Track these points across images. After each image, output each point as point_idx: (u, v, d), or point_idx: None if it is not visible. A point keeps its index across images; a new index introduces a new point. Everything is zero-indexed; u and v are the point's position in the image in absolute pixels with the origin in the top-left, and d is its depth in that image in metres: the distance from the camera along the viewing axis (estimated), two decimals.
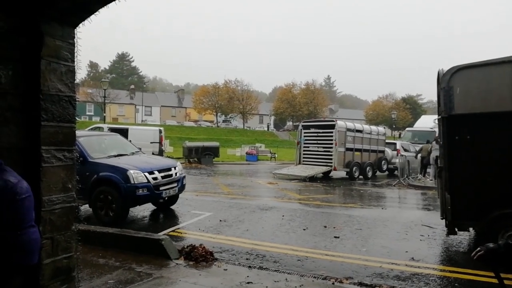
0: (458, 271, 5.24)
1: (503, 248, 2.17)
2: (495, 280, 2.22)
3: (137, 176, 7.52)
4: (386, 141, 20.53)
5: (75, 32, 3.14)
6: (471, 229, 6.33)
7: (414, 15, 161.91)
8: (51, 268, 2.99)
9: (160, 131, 23.05)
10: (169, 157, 21.22)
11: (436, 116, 8.42)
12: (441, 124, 6.20)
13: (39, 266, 2.88)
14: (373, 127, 20.41)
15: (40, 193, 2.88)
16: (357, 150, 17.92)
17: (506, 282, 2.19)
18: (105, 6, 2.95)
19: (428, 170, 16.89)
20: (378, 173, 19.48)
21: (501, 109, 5.56)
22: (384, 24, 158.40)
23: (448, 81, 5.88)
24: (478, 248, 2.22)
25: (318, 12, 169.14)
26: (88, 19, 3.09)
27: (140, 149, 10.02)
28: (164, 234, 6.35)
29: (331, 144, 17.18)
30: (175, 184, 8.48)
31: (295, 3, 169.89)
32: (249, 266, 5.11)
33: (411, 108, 65.55)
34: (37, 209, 2.83)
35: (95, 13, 3.02)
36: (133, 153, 9.01)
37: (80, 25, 3.14)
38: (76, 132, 3.23)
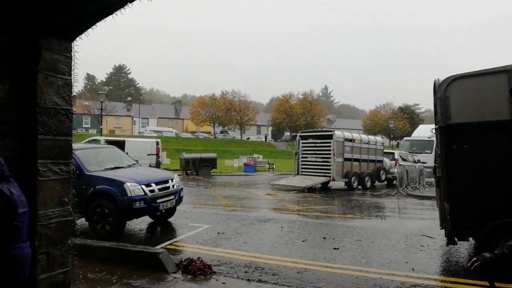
0: (458, 281, 5.20)
1: (500, 257, 2.14)
2: None
3: (134, 188, 7.47)
4: (384, 150, 20.57)
5: (72, 45, 3.15)
6: (471, 238, 6.30)
7: (415, 26, 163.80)
8: (46, 283, 2.94)
9: (157, 143, 23.02)
10: (166, 169, 21.17)
11: (433, 126, 8.44)
12: (438, 134, 6.22)
13: (34, 282, 2.82)
14: (371, 137, 20.47)
15: (36, 207, 2.85)
16: (355, 160, 17.94)
17: None
18: (102, 20, 2.96)
19: None
20: (376, 183, 19.46)
21: (497, 118, 5.59)
22: (381, 33, 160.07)
23: (444, 90, 5.92)
24: (474, 258, 2.19)
25: (316, 23, 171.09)
26: (85, 32, 3.10)
27: (137, 161, 9.97)
28: (162, 248, 6.28)
29: (329, 154, 17.19)
30: (173, 197, 8.42)
31: (293, 13, 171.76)
32: (248, 279, 5.05)
33: (409, 117, 65.81)
34: (32, 224, 2.80)
35: (92, 27, 3.03)
36: (129, 166, 8.96)
37: (77, 38, 3.15)
38: (73, 145, 3.21)
